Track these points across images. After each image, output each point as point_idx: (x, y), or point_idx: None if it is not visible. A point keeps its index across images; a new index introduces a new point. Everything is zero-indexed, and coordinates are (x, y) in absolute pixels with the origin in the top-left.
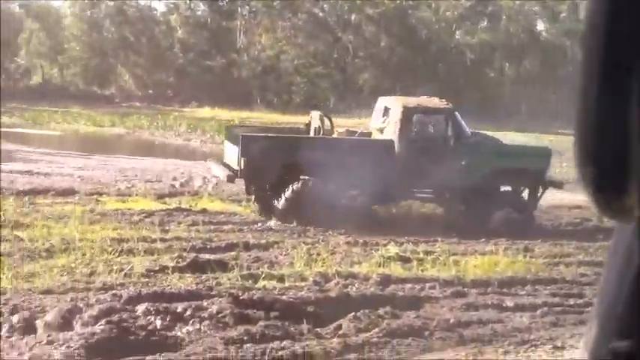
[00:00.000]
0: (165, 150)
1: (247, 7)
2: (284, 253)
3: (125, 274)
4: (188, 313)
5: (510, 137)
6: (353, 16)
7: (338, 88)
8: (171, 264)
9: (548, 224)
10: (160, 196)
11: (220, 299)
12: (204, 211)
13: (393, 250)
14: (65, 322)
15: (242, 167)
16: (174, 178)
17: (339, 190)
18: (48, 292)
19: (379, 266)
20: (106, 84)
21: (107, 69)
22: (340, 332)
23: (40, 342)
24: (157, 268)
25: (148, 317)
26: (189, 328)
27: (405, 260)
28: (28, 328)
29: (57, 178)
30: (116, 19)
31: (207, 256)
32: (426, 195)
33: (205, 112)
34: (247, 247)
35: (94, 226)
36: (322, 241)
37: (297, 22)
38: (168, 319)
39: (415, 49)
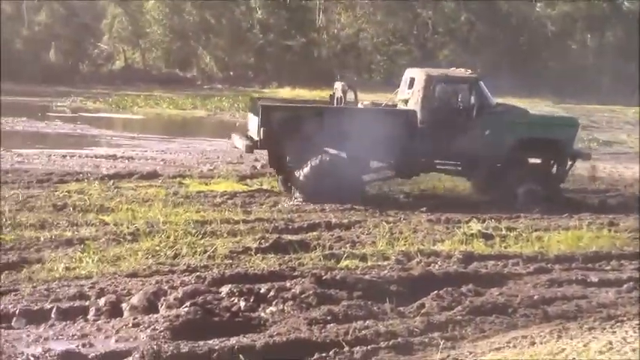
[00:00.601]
0: (246, 131)
1: None
2: (366, 232)
3: (209, 256)
4: (271, 293)
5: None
6: None
7: (418, 65)
8: (254, 245)
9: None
10: (242, 178)
11: (303, 280)
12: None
13: (475, 227)
14: (150, 305)
15: (262, 137)
16: (256, 160)
17: (360, 162)
18: (133, 275)
19: (461, 243)
20: (188, 67)
21: (188, 52)
22: (423, 311)
23: (126, 325)
24: (240, 249)
25: (232, 299)
26: (273, 308)
27: (488, 237)
28: (114, 310)
29: (140, 161)
30: (197, 2)
31: (289, 237)
32: (449, 167)
33: (286, 92)
34: (329, 226)
35: (178, 208)
36: (404, 219)
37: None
38: (251, 300)
39: (495, 23)
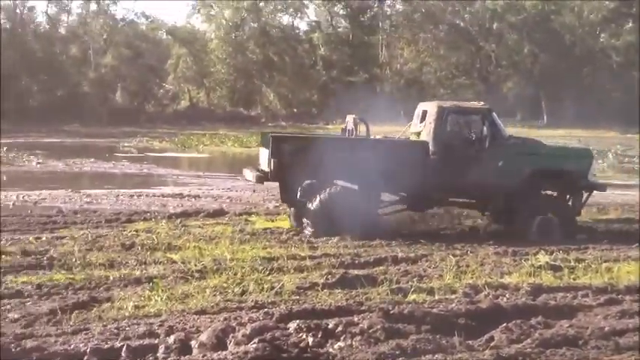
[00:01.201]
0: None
1: (388, 21)
2: (433, 265)
3: (276, 293)
4: (339, 329)
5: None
6: (495, 25)
7: (481, 98)
8: (321, 280)
9: None
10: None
11: (371, 314)
12: None
13: (542, 259)
14: (219, 342)
15: (272, 169)
16: None
17: (371, 195)
18: (202, 312)
19: (529, 276)
20: (252, 105)
21: (252, 90)
22: (492, 344)
23: None
24: (307, 285)
25: (300, 334)
26: (341, 344)
27: (556, 269)
28: (183, 348)
29: (207, 199)
30: (260, 40)
31: (356, 272)
32: (462, 200)
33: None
34: (396, 260)
35: (245, 245)
36: (471, 252)
37: (439, 33)
38: (319, 336)
39: (559, 54)
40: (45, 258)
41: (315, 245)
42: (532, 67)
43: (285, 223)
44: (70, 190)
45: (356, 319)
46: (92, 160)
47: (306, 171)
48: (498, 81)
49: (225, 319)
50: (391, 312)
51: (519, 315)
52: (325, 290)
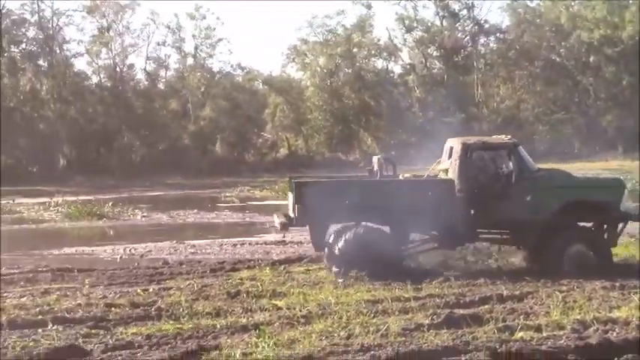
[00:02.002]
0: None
1: (483, 59)
2: (539, 302)
3: (382, 335)
4: None
5: None
6: (591, 58)
7: (581, 133)
8: (427, 321)
9: None
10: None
11: (478, 353)
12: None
13: None
14: None
15: (296, 214)
16: None
17: (396, 234)
18: (309, 357)
19: (639, 310)
20: (350, 150)
21: (350, 134)
22: None
23: None
24: (412, 326)
25: None
26: None
27: None
28: None
29: (309, 246)
30: (355, 86)
31: (461, 311)
32: (492, 236)
33: None
34: (501, 299)
35: (348, 289)
36: (577, 287)
37: (535, 69)
38: None
39: None
40: (153, 309)
41: (419, 286)
42: (632, 99)
43: None
44: (174, 241)
45: (463, 358)
46: (195, 211)
47: (330, 214)
48: (597, 114)
49: None
50: (499, 350)
51: (630, 349)
52: (431, 331)
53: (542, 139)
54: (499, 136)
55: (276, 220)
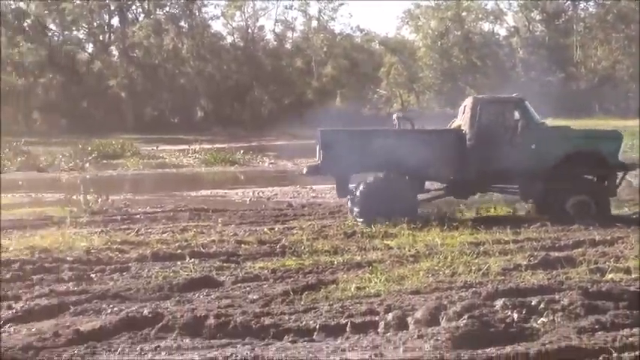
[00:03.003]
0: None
1: (582, 23)
2: (629, 247)
3: (483, 273)
4: (542, 306)
5: None
6: None
7: None
8: (524, 262)
9: None
10: (511, 203)
11: (571, 292)
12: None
13: None
14: (432, 318)
15: (321, 160)
16: None
17: (411, 181)
18: (416, 292)
19: None
20: (457, 105)
21: (457, 92)
22: None
23: (411, 337)
24: (511, 266)
25: (506, 311)
26: (544, 319)
27: None
28: (400, 324)
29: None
30: (463, 47)
31: (556, 254)
32: (503, 185)
33: (548, 122)
34: (593, 243)
35: (454, 232)
36: None
37: (631, 32)
38: (523, 313)
39: None
40: (278, 246)
41: (518, 231)
42: None
43: (490, 212)
44: (297, 186)
45: (557, 296)
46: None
47: (352, 162)
48: None
49: (437, 298)
50: (590, 290)
51: None
52: (528, 271)
53: (635, 96)
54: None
55: (305, 168)
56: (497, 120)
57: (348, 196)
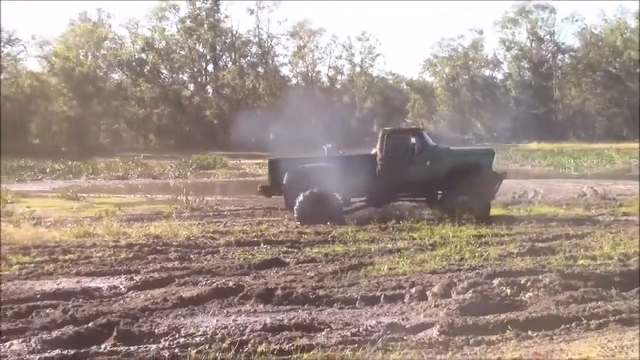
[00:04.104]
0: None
1: (560, 70)
2: (595, 240)
3: (484, 259)
4: (528, 284)
5: None
6: (638, 70)
7: (628, 122)
8: (515, 250)
9: None
10: (505, 205)
11: (551, 273)
12: (537, 213)
13: None
14: (445, 292)
15: (270, 182)
16: (514, 192)
17: (336, 196)
18: (433, 272)
19: None
20: (465, 132)
21: (465, 122)
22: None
23: (429, 306)
24: (505, 254)
25: (501, 287)
26: (530, 294)
27: None
28: (421, 296)
29: None
30: (469, 87)
31: (540, 244)
32: (407, 196)
33: (533, 145)
34: (568, 236)
35: (461, 227)
36: (623, 230)
37: (597, 77)
38: (514, 288)
39: None
40: (329, 236)
41: (511, 227)
42: None
43: (493, 211)
44: None
45: (540, 277)
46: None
47: (292, 182)
48: None
49: (449, 277)
50: (566, 272)
51: None
52: (518, 257)
53: (600, 126)
54: (413, 125)
55: (258, 188)
56: (399, 145)
57: (294, 207)
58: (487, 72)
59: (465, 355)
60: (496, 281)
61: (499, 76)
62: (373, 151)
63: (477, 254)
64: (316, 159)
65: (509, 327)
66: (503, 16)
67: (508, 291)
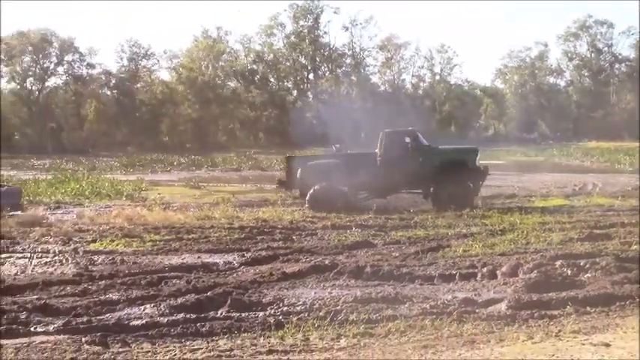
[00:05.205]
0: (568, 168)
1: (616, 77)
2: None
3: (548, 243)
4: (587, 265)
5: None
6: None
7: None
8: (576, 236)
9: None
10: (567, 196)
11: (607, 257)
12: (595, 204)
13: None
14: (513, 272)
15: (286, 177)
16: (574, 185)
17: (339, 189)
18: (502, 254)
19: None
20: (531, 131)
21: (531, 124)
22: None
23: (499, 283)
24: (567, 239)
25: (563, 268)
26: (588, 274)
27: None
28: (491, 275)
29: (505, 188)
30: (537, 93)
31: (598, 231)
32: (404, 188)
33: (592, 144)
34: (623, 224)
35: (528, 215)
36: None
37: None
38: (575, 270)
39: None
40: (412, 222)
41: (572, 215)
42: None
43: (553, 202)
44: None
45: (598, 259)
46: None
47: (306, 177)
48: None
49: (516, 258)
50: (621, 256)
51: None
52: (578, 242)
53: None
54: (409, 128)
55: (276, 183)
56: (396, 144)
57: (306, 198)
58: (551, 79)
59: (530, 327)
60: (558, 263)
61: (562, 83)
62: (375, 150)
63: (541, 239)
64: (325, 156)
65: (569, 303)
66: (566, 31)
67: (569, 272)
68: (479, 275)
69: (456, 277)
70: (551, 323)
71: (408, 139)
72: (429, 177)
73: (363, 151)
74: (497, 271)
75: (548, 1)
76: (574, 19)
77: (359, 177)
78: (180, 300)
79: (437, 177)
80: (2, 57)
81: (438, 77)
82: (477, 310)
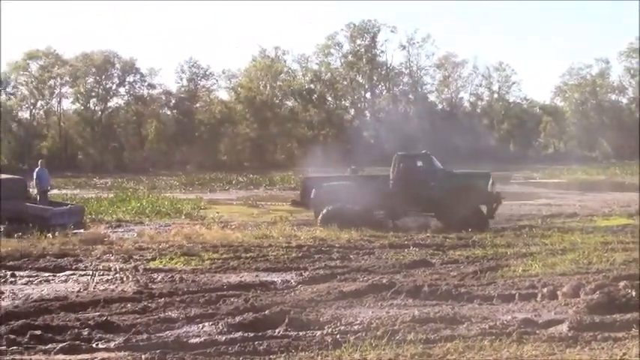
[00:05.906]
0: (631, 187)
1: None
2: None
3: (610, 263)
4: None
5: None
6: None
7: None
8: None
9: None
10: (630, 215)
11: None
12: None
13: None
14: (574, 292)
15: (301, 197)
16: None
17: (350, 210)
18: (563, 274)
19: None
20: (592, 149)
21: (593, 140)
22: None
23: (560, 304)
24: (630, 259)
25: (627, 289)
26: None
27: None
28: (552, 296)
29: (566, 207)
30: (597, 111)
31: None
32: (417, 210)
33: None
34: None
35: (588, 235)
36: None
37: None
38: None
39: None
40: (470, 241)
41: (634, 234)
42: None
43: (616, 221)
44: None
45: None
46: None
47: (321, 198)
48: None
49: (578, 278)
50: None
51: None
52: None
53: None
54: (421, 151)
55: (290, 202)
56: (409, 167)
57: (319, 218)
58: (613, 96)
59: (593, 350)
60: (622, 284)
61: (624, 100)
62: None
63: (603, 259)
64: (339, 178)
65: (634, 325)
66: (628, 47)
67: (633, 293)
68: (539, 295)
69: (516, 297)
70: (615, 346)
71: (420, 163)
72: (441, 200)
73: (376, 174)
74: (558, 292)
75: (610, 17)
76: (636, 36)
77: (371, 199)
78: (238, 318)
79: (448, 200)
80: (67, 79)
81: (496, 95)
82: (537, 331)
